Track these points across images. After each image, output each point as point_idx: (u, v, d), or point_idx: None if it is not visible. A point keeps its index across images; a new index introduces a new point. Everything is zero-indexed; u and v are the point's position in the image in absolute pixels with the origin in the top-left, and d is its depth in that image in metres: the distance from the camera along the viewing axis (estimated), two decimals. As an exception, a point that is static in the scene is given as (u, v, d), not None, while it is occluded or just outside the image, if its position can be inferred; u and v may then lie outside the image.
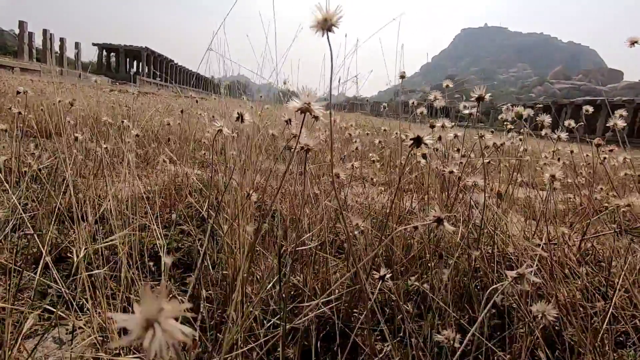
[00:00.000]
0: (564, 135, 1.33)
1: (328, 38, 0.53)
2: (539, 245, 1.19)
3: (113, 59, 45.72)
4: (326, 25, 0.52)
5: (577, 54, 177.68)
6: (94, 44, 42.94)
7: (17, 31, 33.86)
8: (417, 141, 0.61)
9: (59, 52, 37.17)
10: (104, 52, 44.41)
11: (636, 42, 1.36)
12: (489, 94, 1.08)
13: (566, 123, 1.76)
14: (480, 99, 1.08)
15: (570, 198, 2.16)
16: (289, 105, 0.51)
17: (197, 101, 2.36)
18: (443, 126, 1.14)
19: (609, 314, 0.86)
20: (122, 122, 1.64)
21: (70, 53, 39.30)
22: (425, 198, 1.63)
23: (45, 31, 34.34)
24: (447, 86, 1.62)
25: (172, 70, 50.93)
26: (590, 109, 1.73)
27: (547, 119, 1.20)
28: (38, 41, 34.54)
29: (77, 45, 39.26)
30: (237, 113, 0.77)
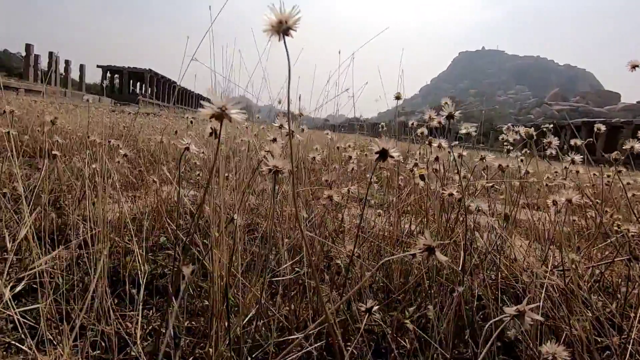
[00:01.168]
0: (578, 158, 1.28)
1: (285, 44, 0.47)
2: (546, 271, 1.12)
3: (117, 81, 46.43)
4: (281, 29, 0.45)
5: (574, 77, 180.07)
6: (98, 66, 43.70)
7: (24, 53, 34.55)
8: (383, 155, 0.56)
9: (63, 73, 37.82)
10: (108, 74, 45.15)
11: (637, 65, 1.35)
12: (492, 108, 1.04)
13: (572, 142, 1.72)
14: (450, 116, 1.06)
15: (575, 220, 2.09)
16: (200, 111, 0.43)
17: (191, 122, 2.33)
18: (440, 146, 1.09)
19: (628, 351, 0.78)
20: (109, 142, 1.59)
21: (75, 75, 40.00)
22: (425, 221, 1.57)
23: (51, 54, 35.02)
24: (446, 103, 1.58)
25: (175, 92, 51.65)
26: (602, 127, 1.71)
27: (554, 140, 1.15)
28: (44, 64, 35.18)
29: (81, 67, 39.96)
30: (211, 128, 0.72)
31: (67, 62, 38.17)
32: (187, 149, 0.74)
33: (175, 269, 1.34)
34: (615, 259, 1.19)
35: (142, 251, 1.51)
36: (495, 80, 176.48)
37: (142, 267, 1.07)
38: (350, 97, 1.82)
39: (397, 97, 1.30)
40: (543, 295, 0.94)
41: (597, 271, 1.49)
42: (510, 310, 0.56)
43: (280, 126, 0.99)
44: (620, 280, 1.54)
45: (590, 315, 0.95)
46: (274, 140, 0.81)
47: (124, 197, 2.42)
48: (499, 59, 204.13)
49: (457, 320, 1.11)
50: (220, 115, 0.43)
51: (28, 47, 32.66)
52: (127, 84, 46.03)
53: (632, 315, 0.88)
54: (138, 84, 48.39)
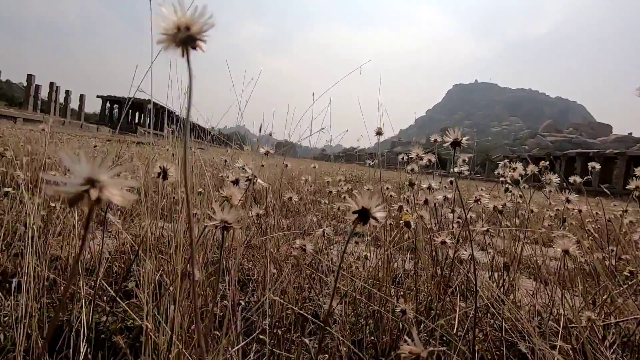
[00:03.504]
0: (574, 197, 1.17)
1: (188, 60, 0.31)
2: (554, 327, 0.98)
3: (116, 110, 46.89)
4: (180, 38, 0.30)
5: (566, 109, 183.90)
6: (98, 96, 44.26)
7: (25, 84, 35.05)
8: (363, 215, 0.41)
9: (63, 103, 38.29)
10: (108, 104, 45.70)
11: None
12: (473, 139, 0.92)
13: (572, 179, 1.62)
14: (456, 143, 0.91)
15: (582, 262, 1.96)
16: (46, 190, 0.25)
17: (172, 154, 2.23)
18: (430, 188, 0.98)
19: None
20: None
21: (75, 104, 40.46)
22: (419, 261, 1.44)
23: (52, 84, 35.60)
24: (435, 140, 1.51)
25: (174, 122, 52.09)
26: (597, 166, 1.62)
27: (555, 178, 1.04)
28: (45, 94, 35.68)
29: (81, 97, 40.48)
30: (160, 167, 0.60)
31: (67, 92, 38.72)
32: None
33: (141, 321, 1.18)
34: (634, 317, 1.05)
35: (106, 299, 1.36)
36: (488, 112, 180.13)
37: (89, 322, 0.92)
38: (329, 140, 1.74)
39: (379, 133, 1.21)
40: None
41: (612, 318, 1.34)
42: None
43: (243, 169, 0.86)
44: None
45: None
46: (235, 182, 0.68)
47: (105, 234, 2.27)
48: (492, 92, 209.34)
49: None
50: (78, 198, 0.23)
51: (29, 78, 33.21)
52: (127, 114, 46.48)
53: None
54: (137, 113, 48.87)
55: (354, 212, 0.40)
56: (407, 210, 1.05)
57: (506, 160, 1.26)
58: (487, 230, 1.12)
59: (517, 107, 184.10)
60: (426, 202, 1.01)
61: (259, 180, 0.62)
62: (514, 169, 1.11)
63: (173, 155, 1.94)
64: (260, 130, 2.29)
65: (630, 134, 65.27)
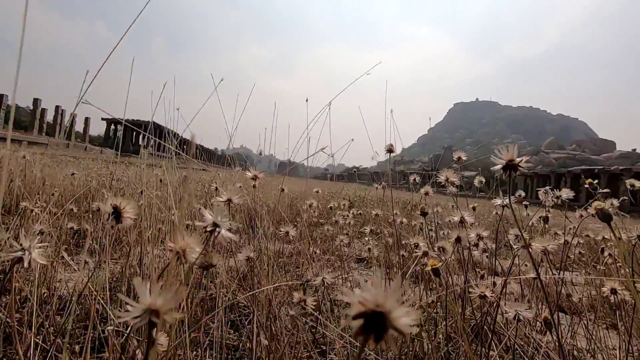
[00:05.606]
0: (627, 237, 1.01)
1: None
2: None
3: (120, 133, 47.29)
4: None
5: (568, 126, 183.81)
6: (103, 119, 44.78)
7: (32, 107, 35.59)
8: (376, 324, 0.21)
9: (68, 126, 38.82)
10: (112, 126, 46.18)
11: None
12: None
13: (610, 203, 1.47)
14: (511, 167, 0.69)
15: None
16: None
17: (161, 181, 2.11)
18: (462, 222, 0.82)
19: None
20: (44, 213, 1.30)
21: (80, 127, 40.97)
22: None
23: (57, 107, 36.16)
24: (459, 158, 1.38)
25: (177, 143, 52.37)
26: (638, 183, 1.46)
27: (615, 202, 0.87)
28: (51, 117, 36.19)
29: (86, 120, 40.98)
30: (112, 206, 0.47)
31: (72, 116, 39.33)
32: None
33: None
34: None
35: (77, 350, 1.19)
36: (490, 129, 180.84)
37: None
38: (330, 155, 1.62)
39: (389, 151, 1.10)
40: None
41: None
42: None
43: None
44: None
45: None
46: (212, 230, 0.50)
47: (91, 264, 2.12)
48: (493, 110, 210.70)
49: None
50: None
51: (35, 101, 33.78)
52: (130, 136, 46.93)
53: None
54: (141, 135, 49.23)
55: (357, 317, 0.21)
56: (433, 254, 0.89)
57: (548, 187, 1.11)
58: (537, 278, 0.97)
59: (519, 124, 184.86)
60: (458, 240, 0.85)
61: (222, 231, 0.46)
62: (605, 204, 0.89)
63: (161, 181, 1.81)
64: (261, 153, 2.18)
65: (635, 149, 65.04)
